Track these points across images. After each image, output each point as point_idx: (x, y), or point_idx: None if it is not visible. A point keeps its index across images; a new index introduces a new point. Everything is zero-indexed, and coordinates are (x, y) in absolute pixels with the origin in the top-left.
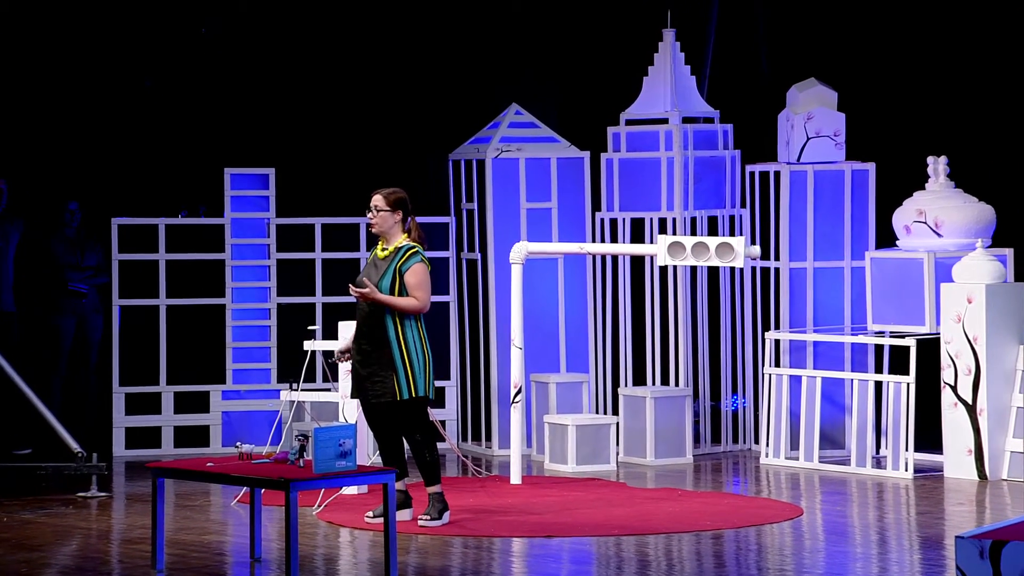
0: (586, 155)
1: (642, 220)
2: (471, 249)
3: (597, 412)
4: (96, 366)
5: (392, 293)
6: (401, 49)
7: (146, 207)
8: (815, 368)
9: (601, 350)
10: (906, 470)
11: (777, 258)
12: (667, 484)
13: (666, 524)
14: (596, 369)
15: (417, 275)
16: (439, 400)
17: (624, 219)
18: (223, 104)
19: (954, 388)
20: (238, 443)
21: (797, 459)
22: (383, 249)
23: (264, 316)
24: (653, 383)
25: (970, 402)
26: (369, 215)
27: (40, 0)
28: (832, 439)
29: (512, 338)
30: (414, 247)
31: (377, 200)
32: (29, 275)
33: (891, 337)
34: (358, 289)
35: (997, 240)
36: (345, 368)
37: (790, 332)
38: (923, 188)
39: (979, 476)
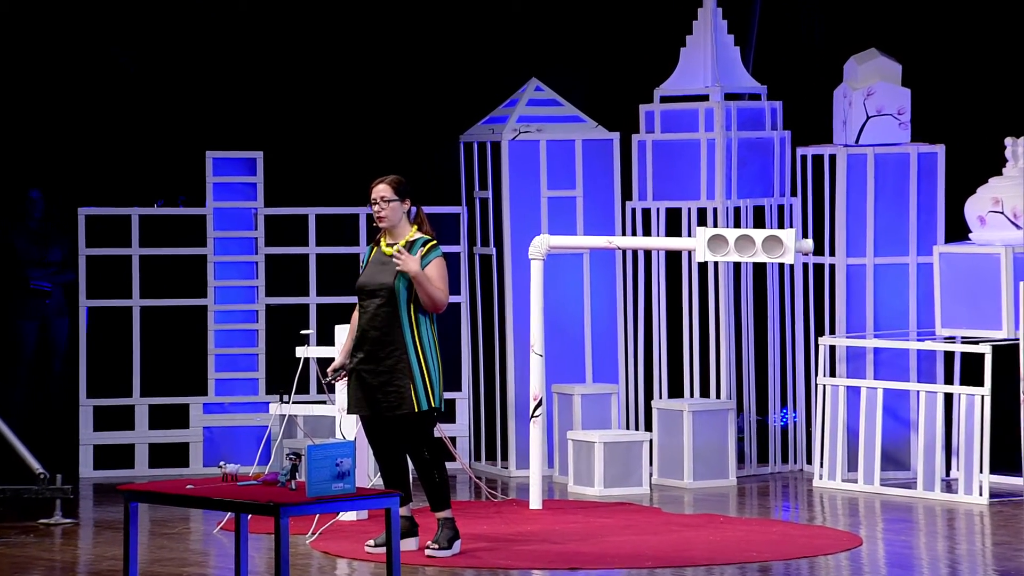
0: (615, 136)
1: (679, 210)
2: (485, 243)
3: (628, 428)
4: (61, 375)
5: (411, 291)
6: (406, 16)
7: (117, 196)
8: (876, 378)
9: (632, 357)
10: (980, 495)
11: (833, 253)
12: (707, 510)
13: (706, 555)
14: (626, 379)
15: (439, 269)
16: (449, 413)
17: (658, 209)
18: (205, 79)
19: None
20: (221, 463)
21: (855, 482)
22: (389, 244)
23: (251, 319)
24: (691, 395)
25: None
26: (375, 208)
27: None
28: (896, 459)
29: (531, 344)
30: (432, 240)
31: (383, 190)
32: None
33: (963, 343)
34: (404, 255)
35: None
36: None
37: (847, 337)
38: (1000, 173)
39: None
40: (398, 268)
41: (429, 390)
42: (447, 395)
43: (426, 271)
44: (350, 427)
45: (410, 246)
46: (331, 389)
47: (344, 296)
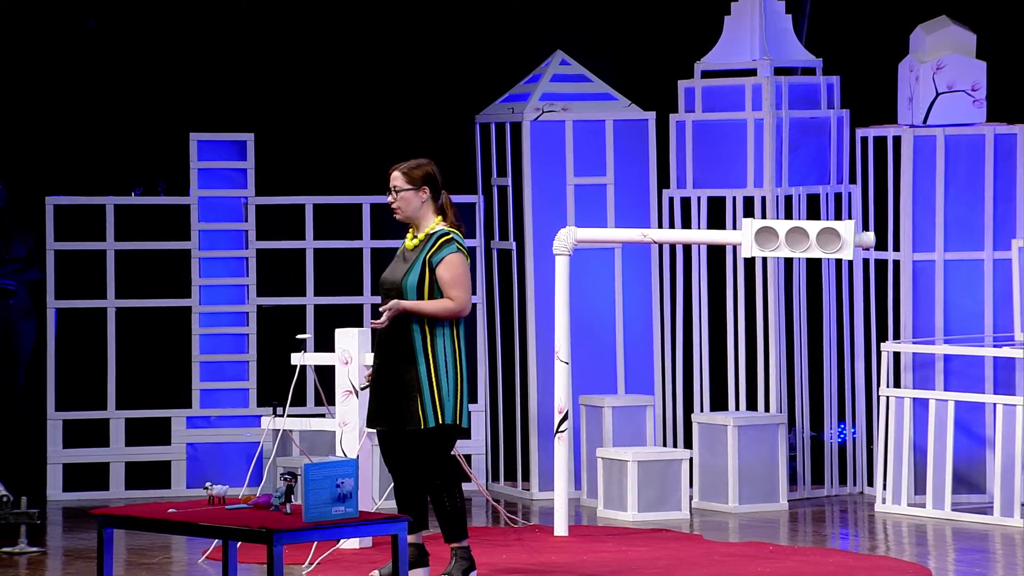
0: (651, 116)
1: (722, 200)
2: (504, 237)
3: (665, 445)
4: (26, 385)
5: (421, 291)
6: None
7: (90, 183)
8: (947, 389)
9: (670, 365)
10: None
11: (897, 248)
12: (755, 537)
13: None
14: (663, 390)
15: (452, 268)
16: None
17: (699, 198)
18: (189, 52)
19: None
20: (207, 484)
21: (923, 506)
22: (413, 237)
23: (241, 321)
24: (737, 408)
25: None
26: (390, 199)
27: None
28: (969, 481)
29: (556, 350)
30: (448, 233)
31: (395, 179)
32: None
33: None
34: (378, 322)
35: None
36: (339, 387)
37: (914, 343)
38: None
39: None
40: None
41: (437, 405)
42: None
43: (439, 270)
44: (352, 444)
45: (426, 239)
46: (331, 402)
47: (345, 296)
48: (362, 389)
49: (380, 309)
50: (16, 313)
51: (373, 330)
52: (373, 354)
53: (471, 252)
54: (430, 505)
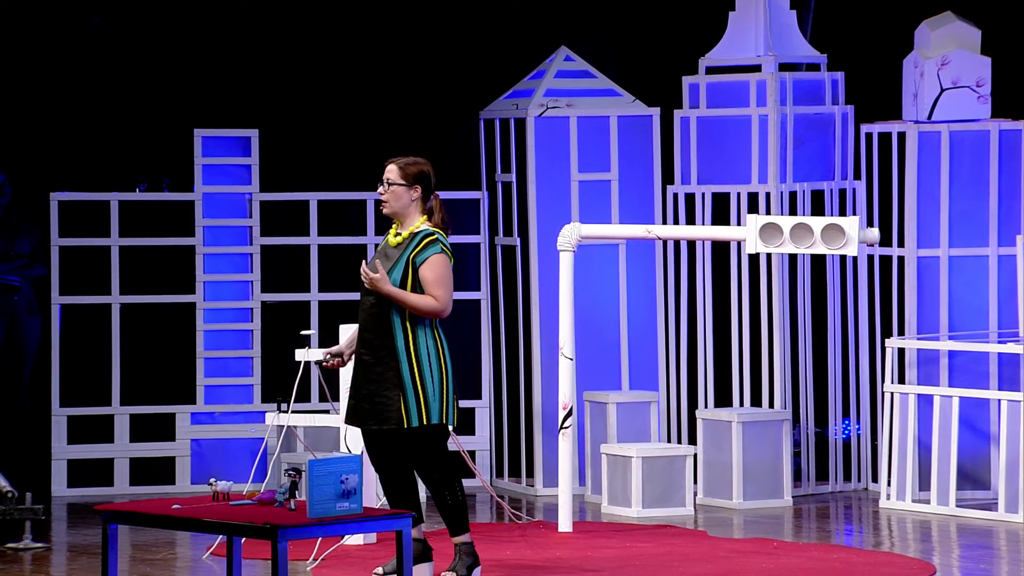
0: (655, 112)
1: (727, 196)
2: (508, 232)
3: (669, 441)
4: (30, 381)
5: (403, 289)
6: None
7: (94, 179)
8: (951, 386)
9: (674, 362)
10: None
11: (902, 244)
12: (759, 534)
13: None
14: (668, 386)
15: (436, 269)
16: (467, 425)
17: (704, 194)
18: (193, 47)
19: None
20: (212, 480)
21: (928, 502)
22: (396, 234)
23: (245, 318)
24: (741, 404)
25: None
26: (380, 189)
27: None
28: (973, 477)
29: (560, 346)
30: (433, 233)
31: (390, 171)
32: None
33: None
34: (368, 272)
35: None
36: (344, 383)
37: (918, 339)
38: None
39: None
40: (367, 284)
41: (422, 404)
42: (466, 404)
43: (422, 270)
44: (356, 440)
45: (410, 238)
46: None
47: (349, 292)
48: (316, 363)
49: (368, 270)
50: (21, 309)
51: (360, 326)
52: (354, 338)
53: (475, 248)
54: (428, 500)
